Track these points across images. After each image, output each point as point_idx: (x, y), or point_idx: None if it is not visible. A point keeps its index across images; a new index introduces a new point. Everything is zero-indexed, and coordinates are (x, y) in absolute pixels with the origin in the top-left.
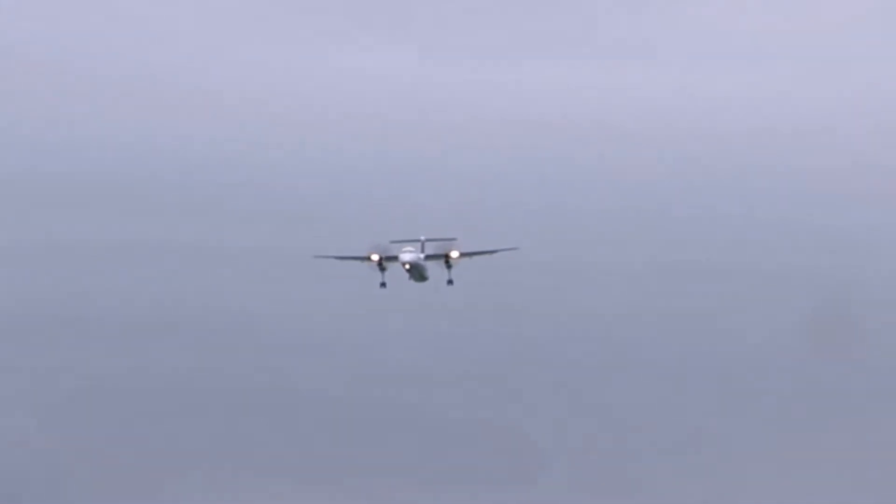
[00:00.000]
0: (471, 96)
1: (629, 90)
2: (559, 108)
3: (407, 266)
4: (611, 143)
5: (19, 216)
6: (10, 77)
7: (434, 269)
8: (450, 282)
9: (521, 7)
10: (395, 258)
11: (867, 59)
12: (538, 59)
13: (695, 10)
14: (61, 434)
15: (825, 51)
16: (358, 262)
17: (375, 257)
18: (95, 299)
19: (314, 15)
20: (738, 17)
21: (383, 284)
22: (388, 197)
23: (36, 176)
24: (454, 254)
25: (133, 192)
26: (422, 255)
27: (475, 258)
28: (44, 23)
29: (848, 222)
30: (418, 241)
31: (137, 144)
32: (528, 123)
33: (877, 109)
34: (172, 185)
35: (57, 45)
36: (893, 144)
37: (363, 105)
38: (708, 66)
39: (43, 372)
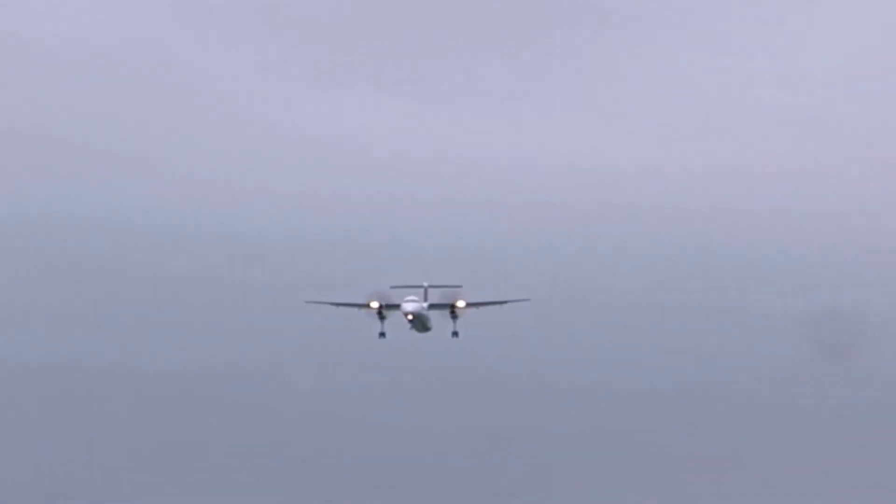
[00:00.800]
0: (477, 143)
1: (637, 144)
2: (566, 158)
3: (409, 316)
4: (623, 193)
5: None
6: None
7: (438, 319)
8: (455, 334)
9: (527, 59)
10: (396, 306)
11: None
12: (541, 108)
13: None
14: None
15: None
16: (355, 310)
17: (375, 305)
18: (91, 351)
19: (312, 62)
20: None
21: (382, 334)
22: (387, 239)
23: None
24: (460, 303)
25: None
26: (425, 304)
27: (483, 308)
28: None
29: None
30: (421, 287)
31: (131, 190)
32: (530, 171)
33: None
34: (157, 228)
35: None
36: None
37: (363, 145)
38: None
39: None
